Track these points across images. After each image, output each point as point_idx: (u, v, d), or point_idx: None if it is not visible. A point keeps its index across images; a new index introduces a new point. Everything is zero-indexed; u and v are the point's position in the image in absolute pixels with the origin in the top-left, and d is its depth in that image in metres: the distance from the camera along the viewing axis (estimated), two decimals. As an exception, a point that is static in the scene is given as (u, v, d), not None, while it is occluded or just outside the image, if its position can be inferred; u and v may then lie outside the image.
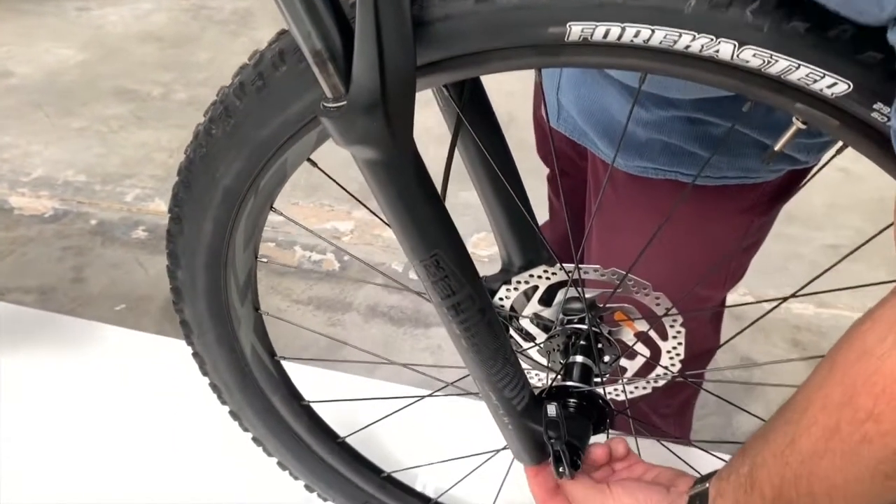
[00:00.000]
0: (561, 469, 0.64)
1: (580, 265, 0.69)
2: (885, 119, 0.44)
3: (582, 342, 0.73)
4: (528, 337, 0.79)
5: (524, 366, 0.76)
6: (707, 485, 0.59)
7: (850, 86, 0.44)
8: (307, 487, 0.90)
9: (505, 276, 0.74)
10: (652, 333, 0.73)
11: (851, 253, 0.65)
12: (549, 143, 1.09)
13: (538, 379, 0.83)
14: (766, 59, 0.44)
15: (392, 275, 2.21)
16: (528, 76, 1.06)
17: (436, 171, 0.56)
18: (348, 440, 0.87)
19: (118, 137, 2.89)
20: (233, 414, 0.85)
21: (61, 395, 1.14)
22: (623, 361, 0.77)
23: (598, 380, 0.72)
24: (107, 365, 1.19)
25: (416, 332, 2.03)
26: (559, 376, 0.72)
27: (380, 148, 0.48)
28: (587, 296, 0.72)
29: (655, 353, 0.75)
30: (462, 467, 0.88)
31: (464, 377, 0.74)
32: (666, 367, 0.75)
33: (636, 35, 0.46)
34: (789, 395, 0.54)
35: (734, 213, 0.85)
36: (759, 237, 0.93)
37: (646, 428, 1.00)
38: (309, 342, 1.90)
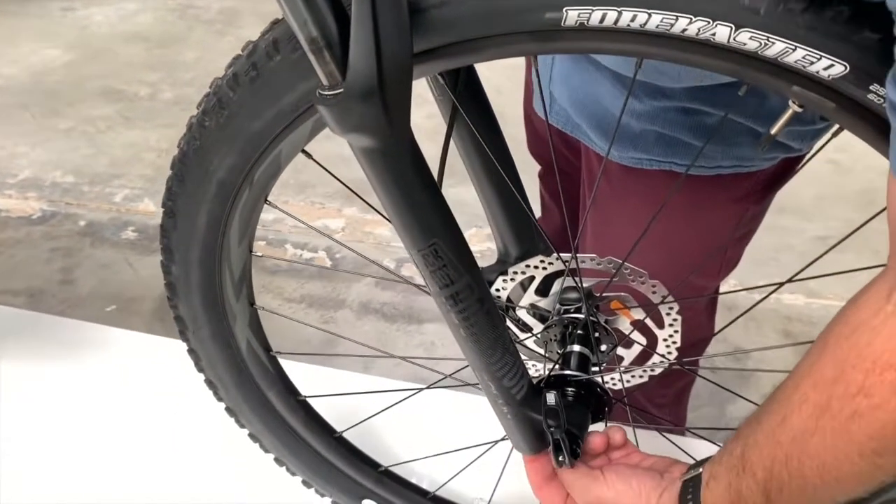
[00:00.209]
0: (560, 458, 0.64)
1: (577, 255, 0.69)
2: (882, 100, 0.45)
3: (579, 331, 0.73)
4: (525, 327, 0.79)
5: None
6: (700, 470, 0.59)
7: (846, 67, 0.44)
8: (304, 483, 0.90)
9: (501, 267, 0.74)
10: (648, 322, 0.73)
11: (839, 243, 0.65)
12: (539, 138, 1.09)
13: (535, 369, 0.83)
14: (762, 42, 0.44)
15: (379, 275, 2.21)
16: (517, 72, 1.06)
17: (429, 166, 0.56)
18: (345, 435, 0.87)
19: (106, 138, 2.87)
20: (229, 410, 0.84)
21: (57, 396, 1.14)
22: (620, 350, 0.77)
23: (596, 369, 0.72)
24: (100, 365, 1.18)
25: (410, 329, 2.02)
26: (557, 366, 0.72)
27: (377, 135, 0.48)
28: (581, 285, 0.72)
29: (652, 341, 0.75)
30: (459, 460, 0.88)
31: (461, 369, 0.74)
32: (663, 356, 0.75)
33: (633, 19, 0.46)
34: (781, 381, 0.54)
35: (728, 202, 0.85)
36: (753, 226, 0.93)
37: (643, 417, 1.00)
38: (302, 340, 1.90)
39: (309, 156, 0.66)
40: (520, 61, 0.72)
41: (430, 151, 0.53)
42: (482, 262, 0.73)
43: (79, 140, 2.86)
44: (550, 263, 0.72)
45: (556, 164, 1.10)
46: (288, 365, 0.83)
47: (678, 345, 0.74)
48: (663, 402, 1.10)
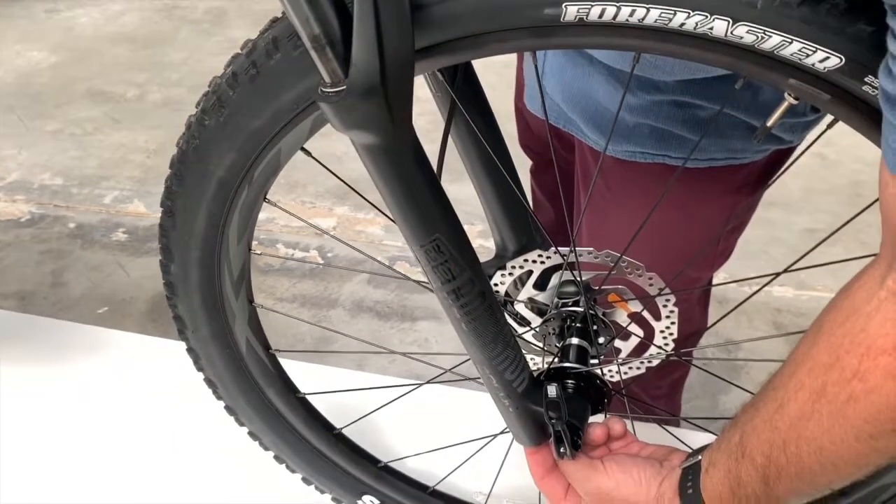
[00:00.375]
0: (562, 449, 0.65)
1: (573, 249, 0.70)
2: (876, 92, 0.45)
3: (577, 324, 0.73)
4: (523, 322, 0.79)
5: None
6: (699, 457, 0.60)
7: (841, 59, 0.45)
8: (304, 480, 0.90)
9: (499, 262, 0.74)
10: (645, 314, 0.74)
11: (830, 236, 0.66)
12: (531, 133, 1.10)
13: (533, 363, 0.83)
14: (759, 36, 0.45)
15: (376, 271, 2.21)
16: (508, 69, 1.07)
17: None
18: (344, 431, 0.88)
19: (94, 139, 2.86)
20: (228, 409, 0.84)
21: (54, 398, 1.13)
22: (617, 343, 0.78)
23: (595, 361, 0.73)
24: (96, 366, 1.18)
25: (403, 326, 2.03)
26: (556, 359, 0.73)
27: (379, 132, 0.48)
28: (580, 279, 0.73)
29: (649, 333, 0.76)
30: (458, 455, 0.89)
31: (461, 363, 0.75)
32: (660, 347, 0.76)
33: (631, 14, 0.46)
34: (773, 370, 0.55)
35: (722, 193, 0.86)
36: (746, 217, 0.95)
37: (640, 407, 1.01)
38: (296, 338, 1.90)
39: (308, 153, 0.67)
40: (510, 57, 0.73)
41: (426, 149, 0.53)
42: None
43: (66, 142, 2.84)
44: (548, 257, 0.72)
45: (549, 158, 1.10)
46: (286, 363, 0.84)
47: (675, 336, 0.75)
48: (659, 394, 1.12)
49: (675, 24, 0.46)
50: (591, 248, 0.70)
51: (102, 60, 3.39)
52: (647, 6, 0.46)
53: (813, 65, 0.46)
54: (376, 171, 0.51)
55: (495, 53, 0.52)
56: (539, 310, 0.77)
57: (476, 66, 0.64)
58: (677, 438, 0.81)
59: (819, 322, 0.50)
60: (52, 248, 2.34)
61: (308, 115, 0.58)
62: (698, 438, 0.89)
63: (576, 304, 0.74)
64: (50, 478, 1.03)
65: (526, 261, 0.73)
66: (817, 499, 0.57)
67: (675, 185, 0.81)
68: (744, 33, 0.45)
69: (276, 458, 0.88)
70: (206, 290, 0.73)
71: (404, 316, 2.06)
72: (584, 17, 0.47)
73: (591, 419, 0.70)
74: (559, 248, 0.71)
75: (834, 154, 2.48)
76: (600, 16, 0.47)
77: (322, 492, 0.91)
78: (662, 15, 0.46)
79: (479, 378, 0.66)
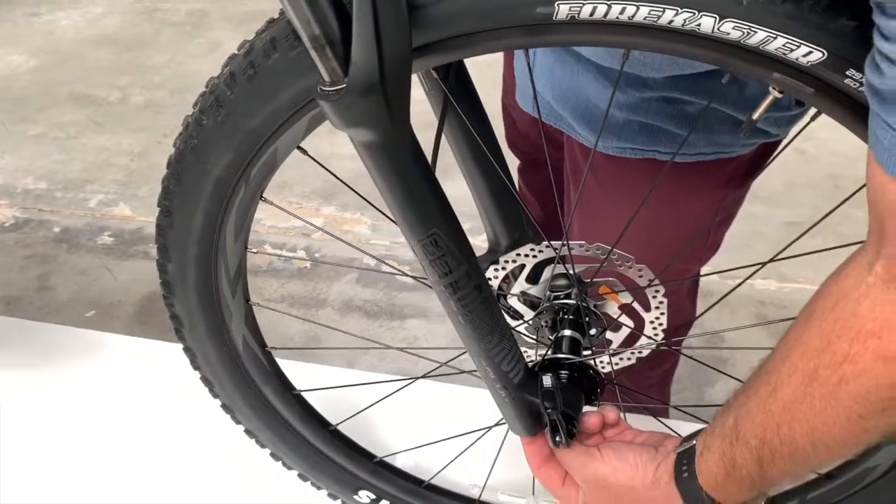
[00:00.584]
0: (557, 438, 0.66)
1: (566, 242, 0.71)
2: (858, 85, 0.47)
3: (570, 316, 0.75)
4: (516, 315, 0.80)
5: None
6: (693, 442, 0.62)
7: (824, 54, 0.46)
8: (301, 477, 0.91)
9: (492, 257, 0.76)
10: (636, 305, 0.75)
11: (811, 228, 0.68)
12: (518, 131, 1.11)
13: (526, 356, 0.85)
14: (745, 31, 0.47)
15: (366, 269, 2.22)
16: (491, 68, 1.08)
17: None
18: (340, 427, 0.88)
19: (77, 143, 2.84)
20: (225, 407, 0.85)
21: (48, 401, 1.13)
22: (609, 334, 0.79)
23: (587, 352, 0.74)
24: (87, 369, 1.18)
25: (393, 325, 2.04)
26: (549, 351, 0.74)
27: (378, 129, 0.50)
28: (573, 272, 0.74)
29: (639, 324, 0.77)
30: (453, 448, 0.90)
31: (456, 356, 0.76)
32: (650, 337, 0.78)
33: (622, 12, 0.48)
34: (756, 360, 0.56)
35: (711, 187, 0.87)
36: (734, 210, 0.96)
37: (632, 397, 1.03)
38: (286, 337, 1.90)
39: (304, 152, 0.68)
40: (493, 56, 0.74)
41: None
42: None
43: (50, 146, 2.82)
44: (541, 251, 0.74)
45: (535, 157, 1.12)
46: (281, 361, 0.84)
47: (664, 326, 0.77)
48: (649, 384, 1.13)
49: (664, 21, 0.47)
50: (583, 242, 0.71)
51: (84, 64, 3.36)
52: (637, 4, 0.47)
53: (797, 59, 0.47)
54: (375, 168, 0.52)
55: (489, 52, 0.53)
56: (532, 303, 0.79)
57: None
58: (668, 427, 0.82)
59: (810, 308, 0.52)
60: (37, 253, 2.32)
61: (304, 115, 0.60)
62: (688, 427, 0.91)
63: (568, 296, 0.75)
64: (44, 480, 1.03)
65: (519, 255, 0.74)
66: (807, 481, 0.59)
67: (664, 179, 0.83)
68: (730, 29, 0.47)
69: (273, 455, 0.89)
70: (204, 288, 0.73)
71: (393, 314, 2.07)
72: (576, 15, 0.48)
73: (585, 410, 0.71)
74: (551, 242, 0.73)
75: (813, 148, 2.52)
76: (591, 14, 0.48)
77: (318, 488, 0.92)
78: (652, 12, 0.47)
79: (474, 371, 0.67)
